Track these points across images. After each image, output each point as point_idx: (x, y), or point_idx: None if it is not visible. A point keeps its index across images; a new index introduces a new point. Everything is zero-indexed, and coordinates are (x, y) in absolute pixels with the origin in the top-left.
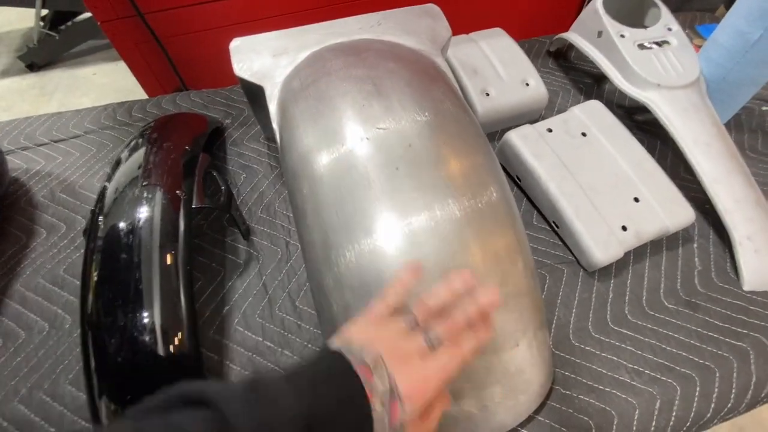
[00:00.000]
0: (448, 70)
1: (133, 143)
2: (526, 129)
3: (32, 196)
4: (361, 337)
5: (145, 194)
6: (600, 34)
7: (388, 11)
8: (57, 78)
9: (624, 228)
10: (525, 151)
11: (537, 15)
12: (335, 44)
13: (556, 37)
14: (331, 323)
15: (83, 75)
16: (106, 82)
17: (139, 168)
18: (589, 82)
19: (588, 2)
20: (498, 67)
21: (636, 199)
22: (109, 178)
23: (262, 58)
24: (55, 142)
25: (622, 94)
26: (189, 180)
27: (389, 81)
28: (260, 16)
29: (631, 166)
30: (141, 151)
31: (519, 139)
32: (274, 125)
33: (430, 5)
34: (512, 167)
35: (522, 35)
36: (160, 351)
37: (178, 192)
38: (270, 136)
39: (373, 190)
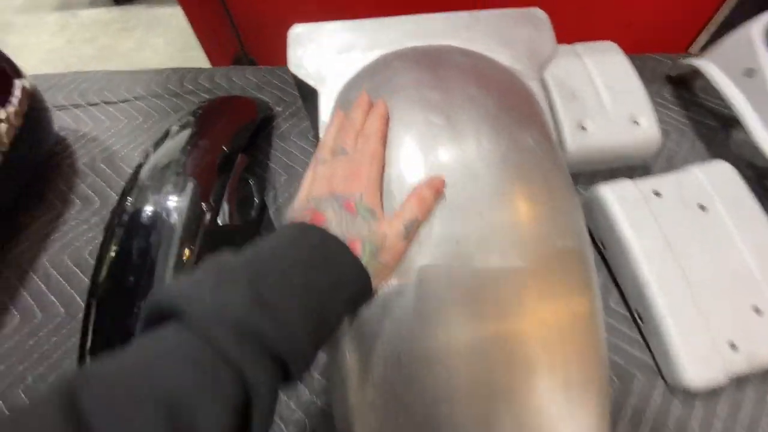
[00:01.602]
0: (543, 98)
1: (177, 126)
2: (626, 186)
3: (74, 161)
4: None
5: (178, 185)
6: (751, 72)
7: (481, 12)
8: (139, 14)
9: (733, 346)
10: (619, 216)
11: (653, 25)
12: (410, 50)
13: (683, 60)
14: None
15: (162, 15)
16: (182, 26)
17: (178, 153)
18: (713, 125)
19: (736, 25)
20: (603, 94)
21: (756, 310)
22: (146, 157)
23: (323, 53)
24: (106, 103)
25: (755, 150)
26: (221, 182)
27: (467, 115)
28: None
29: (757, 262)
30: (183, 136)
31: (614, 198)
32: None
33: (535, 9)
34: (597, 229)
35: (632, 49)
36: None
37: (205, 203)
38: (319, 136)
39: (435, 286)
